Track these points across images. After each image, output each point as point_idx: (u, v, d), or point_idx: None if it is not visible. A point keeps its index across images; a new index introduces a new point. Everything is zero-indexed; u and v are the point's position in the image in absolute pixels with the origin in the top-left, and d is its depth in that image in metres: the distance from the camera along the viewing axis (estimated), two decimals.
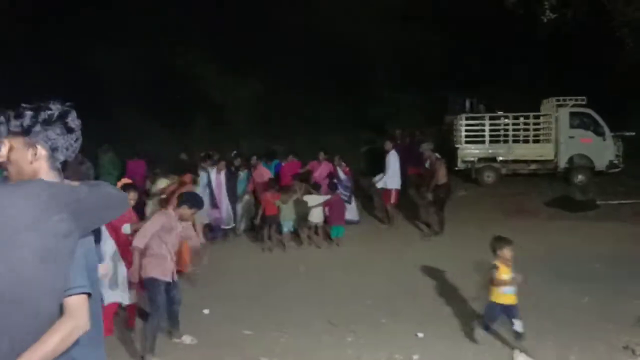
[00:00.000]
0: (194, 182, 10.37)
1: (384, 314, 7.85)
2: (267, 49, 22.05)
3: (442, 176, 12.47)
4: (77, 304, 2.07)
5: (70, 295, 2.06)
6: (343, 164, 13.93)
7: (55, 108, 2.27)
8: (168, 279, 6.54)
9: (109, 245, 6.65)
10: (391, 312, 7.94)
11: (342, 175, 13.53)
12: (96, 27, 22.25)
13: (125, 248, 6.90)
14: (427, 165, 13.09)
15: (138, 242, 6.48)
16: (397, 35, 22.07)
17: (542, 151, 17.82)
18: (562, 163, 17.48)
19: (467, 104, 20.32)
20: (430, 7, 21.68)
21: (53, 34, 21.43)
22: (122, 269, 6.81)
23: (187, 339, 6.90)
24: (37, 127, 2.22)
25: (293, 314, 7.92)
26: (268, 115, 21.79)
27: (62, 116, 2.28)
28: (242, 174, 13.33)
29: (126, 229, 7.06)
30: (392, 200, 13.35)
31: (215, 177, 12.34)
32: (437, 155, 12.94)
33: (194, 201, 6.85)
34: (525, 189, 16.38)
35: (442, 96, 21.09)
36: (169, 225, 6.60)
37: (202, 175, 11.94)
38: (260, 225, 12.16)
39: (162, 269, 6.47)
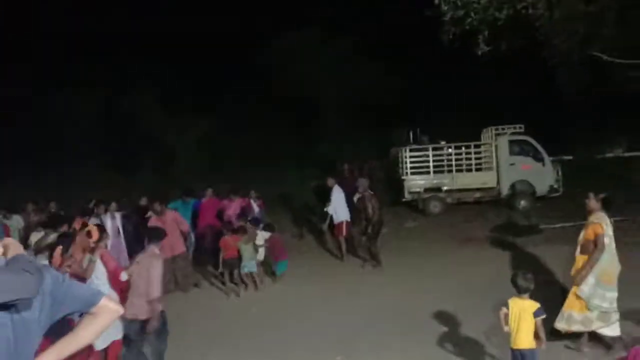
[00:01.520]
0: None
1: (338, 351, 7.82)
2: (217, 88, 22.14)
3: (371, 210, 12.49)
4: None
5: None
6: (258, 199, 14.39)
7: None
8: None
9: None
10: (345, 348, 7.92)
11: (255, 208, 13.96)
12: (39, 71, 21.97)
13: (123, 293, 7.18)
14: (355, 199, 13.22)
15: (157, 292, 6.98)
16: (345, 75, 22.49)
17: (484, 179, 18.27)
18: (505, 190, 17.95)
19: (410, 135, 20.68)
20: (376, 46, 22.20)
21: None
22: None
23: None
24: None
25: (245, 356, 7.87)
26: (217, 155, 21.73)
27: None
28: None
29: (123, 276, 7.28)
30: (344, 232, 13.41)
31: (110, 223, 11.81)
32: (369, 191, 12.96)
33: (160, 234, 7.64)
34: (471, 217, 16.71)
35: (388, 131, 21.44)
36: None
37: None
38: (221, 272, 11.92)
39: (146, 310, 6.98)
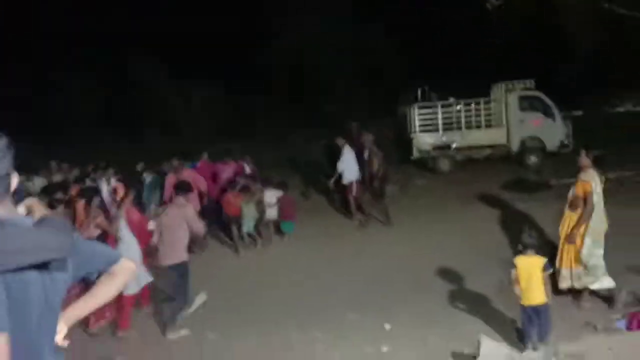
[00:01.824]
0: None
1: (350, 308, 7.89)
2: (221, 53, 21.94)
3: (377, 166, 12.49)
4: None
5: None
6: (250, 164, 14.53)
7: None
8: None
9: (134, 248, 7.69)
10: (357, 305, 7.98)
11: (248, 171, 14.01)
12: (49, 41, 21.84)
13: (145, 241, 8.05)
14: (365, 156, 13.13)
15: (202, 227, 8.24)
16: (347, 31, 22.20)
17: (494, 136, 18.11)
18: (515, 146, 17.80)
19: (419, 93, 20.43)
20: (380, 4, 21.86)
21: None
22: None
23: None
24: None
25: (258, 315, 7.89)
26: (223, 119, 21.64)
27: None
28: (148, 179, 13.19)
29: (150, 225, 8.18)
30: (354, 192, 13.33)
31: (105, 188, 11.67)
32: (376, 147, 12.91)
33: (184, 185, 8.18)
34: (481, 174, 16.58)
35: (396, 89, 21.20)
36: None
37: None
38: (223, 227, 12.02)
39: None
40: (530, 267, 6.00)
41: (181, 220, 7.64)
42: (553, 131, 17.70)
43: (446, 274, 8.74)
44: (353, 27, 22.34)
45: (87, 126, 21.41)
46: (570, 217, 7.22)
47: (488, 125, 18.37)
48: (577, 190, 7.16)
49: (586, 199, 6.98)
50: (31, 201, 2.45)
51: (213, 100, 21.49)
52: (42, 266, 2.13)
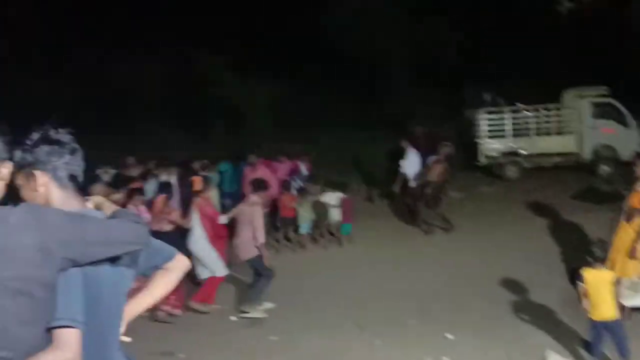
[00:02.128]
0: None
1: (411, 315, 7.76)
2: (285, 51, 22.08)
3: (434, 174, 12.29)
4: (61, 337, 1.96)
5: (55, 326, 1.96)
6: (306, 162, 14.59)
7: (37, 132, 2.26)
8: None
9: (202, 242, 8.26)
10: (418, 313, 7.85)
11: (304, 171, 14.07)
12: (115, 37, 22.43)
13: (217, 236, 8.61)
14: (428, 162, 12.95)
15: (262, 238, 8.09)
16: (413, 32, 22.00)
17: (565, 143, 17.60)
18: (586, 154, 17.26)
19: (487, 97, 20.06)
20: (444, 2, 21.57)
21: (71, 45, 21.63)
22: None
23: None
24: (28, 156, 2.21)
25: (319, 318, 7.86)
26: (287, 118, 21.74)
27: (45, 135, 2.25)
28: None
29: (222, 219, 8.58)
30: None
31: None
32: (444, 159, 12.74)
33: (260, 184, 8.50)
34: (549, 182, 16.14)
35: (460, 91, 20.88)
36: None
37: (151, 183, 10.98)
38: (276, 227, 12.07)
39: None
40: (599, 280, 5.77)
41: (250, 219, 7.96)
42: (627, 140, 17.02)
43: (510, 283, 8.51)
44: (418, 27, 22.13)
45: (151, 120, 21.86)
46: (625, 229, 6.96)
47: (558, 133, 17.85)
48: (632, 201, 6.94)
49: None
50: (99, 199, 2.48)
51: (278, 97, 21.60)
52: (115, 259, 2.17)
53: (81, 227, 2.01)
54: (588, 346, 6.11)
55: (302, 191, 12.01)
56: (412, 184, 13.11)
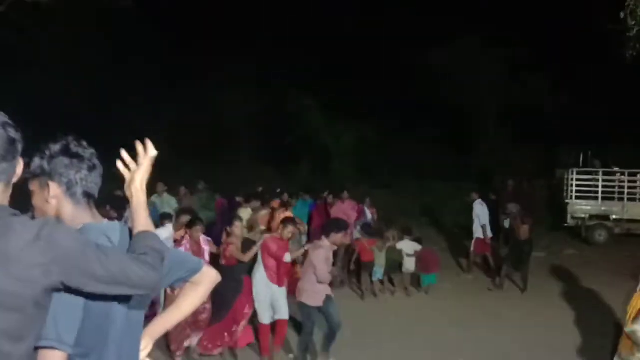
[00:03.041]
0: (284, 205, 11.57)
1: None
2: (375, 94, 22.20)
3: (522, 233, 11.97)
4: (45, 357, 1.94)
5: (41, 346, 1.94)
6: (371, 207, 14.43)
7: (58, 143, 2.21)
8: (320, 304, 7.43)
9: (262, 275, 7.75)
10: None
11: (368, 215, 13.93)
12: (214, 72, 23.24)
13: (283, 273, 7.94)
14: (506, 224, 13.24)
15: (325, 278, 7.36)
16: (508, 85, 21.68)
17: None
18: None
19: (581, 157, 19.40)
20: (542, 56, 21.17)
21: (176, 76, 22.58)
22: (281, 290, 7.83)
23: None
24: (45, 165, 2.17)
25: None
26: (373, 162, 21.77)
27: (65, 147, 2.20)
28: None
29: (287, 257, 7.84)
30: (480, 249, 13.31)
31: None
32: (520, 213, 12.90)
33: (339, 225, 7.79)
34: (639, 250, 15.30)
35: (553, 149, 20.34)
36: (328, 256, 7.51)
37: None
38: (354, 272, 11.92)
39: (315, 299, 7.39)
40: None
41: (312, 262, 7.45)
42: None
43: (585, 355, 8.02)
44: (515, 77, 21.78)
45: (242, 155, 22.49)
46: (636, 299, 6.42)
47: None
48: None
49: None
50: (135, 189, 2.30)
51: (363, 142, 21.72)
52: (122, 298, 2.12)
53: (90, 258, 1.93)
54: None
55: (379, 234, 11.84)
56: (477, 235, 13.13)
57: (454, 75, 21.86)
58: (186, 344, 7.38)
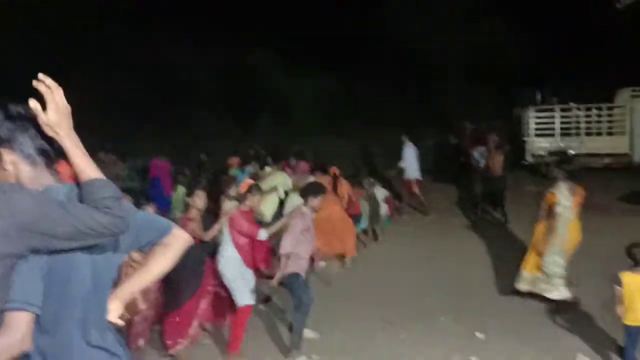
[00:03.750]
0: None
1: (443, 312, 7.64)
2: (337, 46, 22.02)
3: (497, 166, 12.72)
4: (11, 320, 1.97)
5: (7, 309, 1.96)
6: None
7: None
8: (303, 275, 6.71)
9: (233, 254, 6.68)
10: (450, 310, 7.74)
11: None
12: (167, 28, 22.70)
13: (249, 253, 6.87)
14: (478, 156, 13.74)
15: (288, 248, 6.54)
16: (468, 31, 21.69)
17: (616, 144, 17.09)
18: (638, 157, 16.71)
19: (538, 96, 19.60)
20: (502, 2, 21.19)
21: (124, 36, 22.00)
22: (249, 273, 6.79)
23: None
24: None
25: (348, 312, 7.79)
26: (334, 112, 21.72)
27: (5, 111, 2.14)
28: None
29: (262, 235, 6.75)
30: (415, 189, 13.89)
31: None
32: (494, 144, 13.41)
33: (316, 188, 6.94)
34: (597, 183, 15.65)
35: (510, 89, 20.51)
36: (306, 226, 6.69)
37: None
38: None
39: (299, 267, 6.61)
40: (637, 284, 5.56)
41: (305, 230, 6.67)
42: None
43: None
44: (474, 26, 21.78)
45: (202, 110, 22.19)
46: (538, 226, 7.90)
47: (610, 133, 17.38)
48: (544, 201, 7.80)
49: (551, 210, 7.56)
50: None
51: (325, 91, 21.60)
52: (92, 247, 2.12)
53: (49, 217, 1.93)
54: (621, 351, 5.90)
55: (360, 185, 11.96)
56: (408, 176, 13.82)
57: (411, 20, 21.72)
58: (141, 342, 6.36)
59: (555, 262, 7.52)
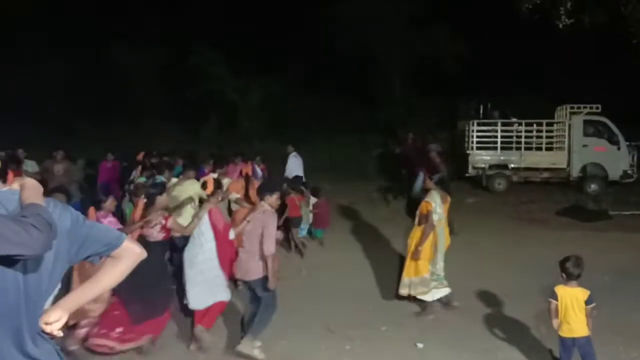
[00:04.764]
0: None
1: (385, 321, 7.64)
2: (282, 51, 22.01)
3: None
4: None
5: None
6: (261, 164, 13.96)
7: None
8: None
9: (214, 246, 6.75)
10: (392, 319, 7.74)
11: (258, 172, 13.35)
12: (113, 28, 22.33)
13: (227, 252, 6.98)
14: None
15: (272, 248, 6.36)
16: (413, 39, 21.96)
17: (554, 159, 17.59)
18: (575, 172, 17.23)
19: (481, 109, 20.01)
20: (446, 11, 21.52)
21: (70, 34, 21.55)
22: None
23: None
24: None
25: (291, 319, 7.69)
26: (280, 117, 21.67)
27: None
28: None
29: (231, 235, 6.93)
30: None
31: None
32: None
33: (272, 186, 7.00)
34: (536, 197, 16.10)
35: (455, 101, 20.87)
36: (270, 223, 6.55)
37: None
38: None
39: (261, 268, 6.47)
40: (571, 297, 5.66)
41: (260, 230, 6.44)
42: (617, 159, 17.08)
43: (485, 296, 8.43)
44: (419, 34, 22.07)
45: (146, 112, 21.86)
46: (415, 232, 8.22)
47: (549, 148, 17.90)
48: (421, 208, 8.19)
49: (427, 217, 7.96)
50: (29, 182, 2.30)
51: (271, 97, 21.52)
52: (18, 261, 2.05)
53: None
54: None
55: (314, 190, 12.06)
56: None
57: (357, 27, 21.86)
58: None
59: (441, 265, 8.21)
